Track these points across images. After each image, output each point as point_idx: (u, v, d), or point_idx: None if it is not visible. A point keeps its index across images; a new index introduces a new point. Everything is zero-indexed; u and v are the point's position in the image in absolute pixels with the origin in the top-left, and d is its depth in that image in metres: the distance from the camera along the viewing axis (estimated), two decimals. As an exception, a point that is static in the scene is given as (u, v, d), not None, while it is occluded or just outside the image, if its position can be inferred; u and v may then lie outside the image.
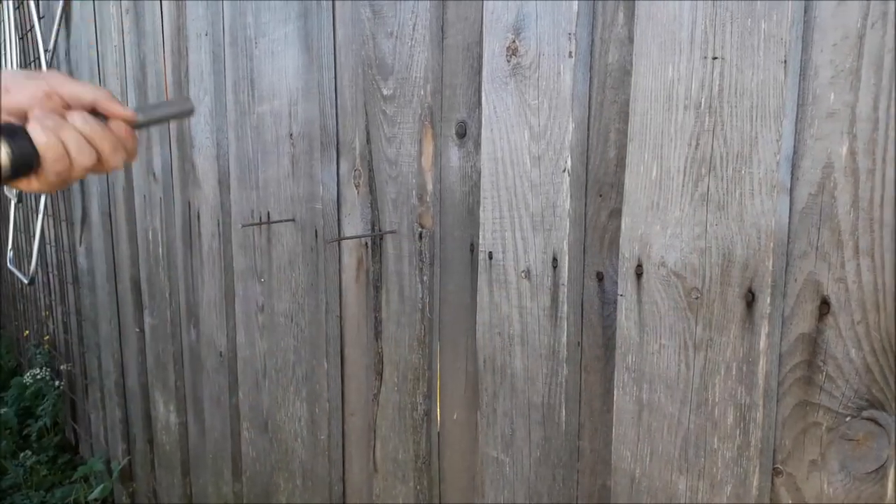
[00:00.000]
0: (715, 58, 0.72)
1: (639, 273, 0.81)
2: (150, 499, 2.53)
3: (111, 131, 0.67)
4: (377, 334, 1.22)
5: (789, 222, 0.70)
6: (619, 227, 0.84)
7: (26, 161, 0.64)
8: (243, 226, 1.44)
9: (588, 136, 0.87)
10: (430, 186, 1.10)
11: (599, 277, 0.89)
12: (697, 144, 0.74)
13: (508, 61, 0.92)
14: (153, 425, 2.38)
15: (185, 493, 2.17)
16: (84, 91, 0.67)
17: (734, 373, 0.74)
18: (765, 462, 0.73)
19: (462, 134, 1.04)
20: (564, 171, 0.87)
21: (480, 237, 0.99)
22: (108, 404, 2.82)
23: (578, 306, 0.91)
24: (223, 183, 1.67)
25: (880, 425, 0.66)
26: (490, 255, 0.98)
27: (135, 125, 0.70)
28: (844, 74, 0.65)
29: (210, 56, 1.67)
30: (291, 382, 1.48)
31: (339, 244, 1.26)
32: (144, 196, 2.17)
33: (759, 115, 0.69)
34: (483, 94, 0.95)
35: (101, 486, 2.77)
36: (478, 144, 1.01)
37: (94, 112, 0.69)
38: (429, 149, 1.09)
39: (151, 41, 2.00)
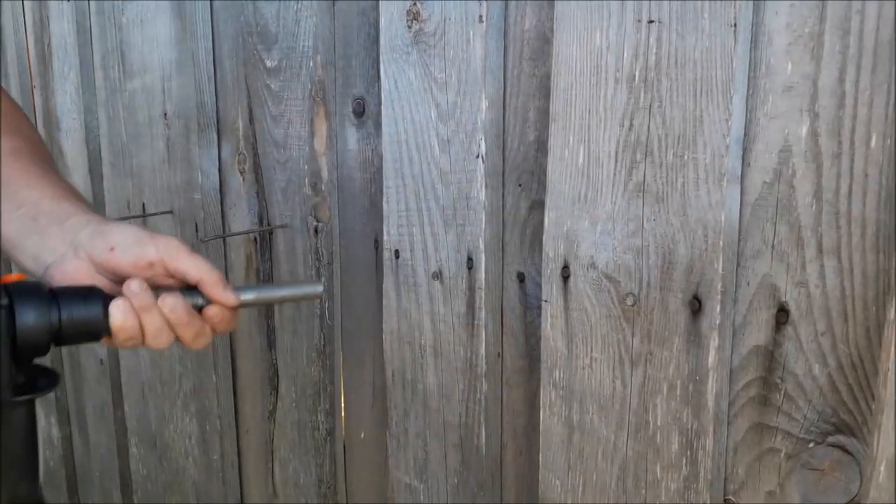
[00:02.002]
0: (651, 21, 0.60)
1: (565, 275, 0.70)
2: (37, 518, 2.29)
3: (200, 319, 0.61)
4: (270, 344, 1.07)
5: (740, 216, 0.60)
6: (541, 222, 0.72)
7: (89, 334, 0.57)
8: (117, 219, 1.25)
9: (504, 116, 0.74)
10: (325, 173, 0.95)
11: (521, 278, 0.77)
12: (631, 125, 0.63)
13: (410, 27, 0.78)
14: (36, 438, 2.14)
15: (73, 512, 1.96)
16: (192, 270, 0.61)
17: (678, 392, 0.64)
18: (715, 494, 0.64)
19: (360, 112, 0.90)
20: (478, 156, 0.74)
21: (385, 232, 0.85)
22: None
23: (498, 312, 0.79)
24: (94, 171, 1.46)
25: (849, 453, 0.57)
26: (396, 254, 0.85)
27: (238, 307, 0.63)
28: (804, 40, 0.54)
29: (74, 26, 1.45)
30: (179, 396, 1.30)
31: (224, 239, 1.10)
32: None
33: (705, 89, 0.58)
34: (382, 65, 0.81)
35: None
36: (378, 125, 0.87)
37: (196, 287, 0.62)
38: (322, 129, 0.94)
39: (10, 9, 1.74)
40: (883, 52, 0.51)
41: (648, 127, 0.62)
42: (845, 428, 0.57)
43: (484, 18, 0.71)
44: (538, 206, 0.73)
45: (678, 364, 0.63)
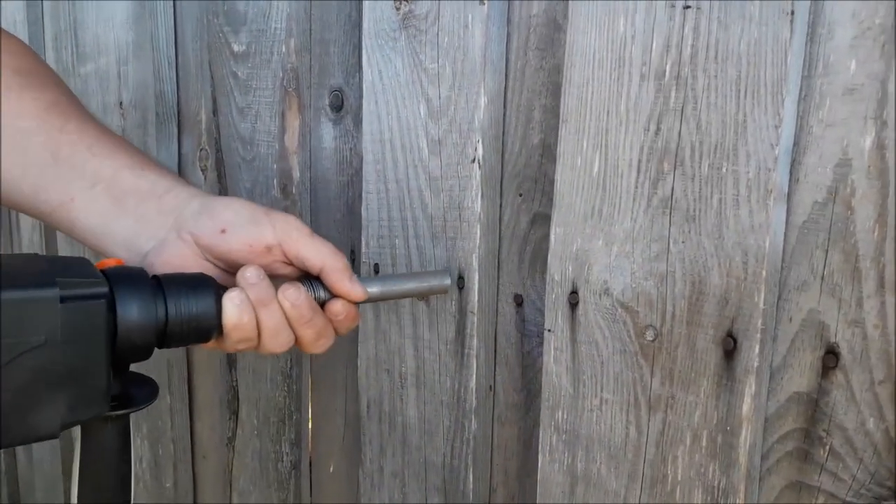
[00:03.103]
0: (687, 6, 0.51)
1: (573, 302, 0.60)
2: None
3: (323, 316, 0.52)
4: (231, 363, 0.96)
5: (785, 240, 0.51)
6: (544, 238, 0.63)
7: (199, 332, 0.48)
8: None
9: (505, 115, 0.65)
10: (296, 174, 0.84)
11: (518, 302, 0.67)
12: (658, 129, 0.53)
13: (398, 9, 0.68)
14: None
15: (17, 529, 1.82)
16: (314, 256, 0.51)
17: (704, 443, 0.55)
18: (744, 564, 0.54)
19: (338, 106, 0.79)
20: (474, 160, 0.64)
21: (363, 243, 0.75)
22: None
23: (491, 339, 0.69)
24: (44, 162, 1.34)
25: (907, 524, 0.48)
26: (376, 268, 0.75)
27: (364, 301, 0.54)
28: (873, 34, 0.45)
29: (23, 1, 1.33)
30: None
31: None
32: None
33: (750, 89, 0.49)
34: (364, 53, 0.71)
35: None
36: (358, 120, 0.77)
37: (316, 278, 0.53)
38: (294, 124, 0.83)
39: (-42, -18, 1.61)
40: (976, 49, 0.42)
41: (679, 132, 0.52)
42: (905, 494, 0.49)
43: (485, 0, 0.61)
44: (541, 219, 0.64)
45: (705, 411, 0.54)
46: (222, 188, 0.92)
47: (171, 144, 0.98)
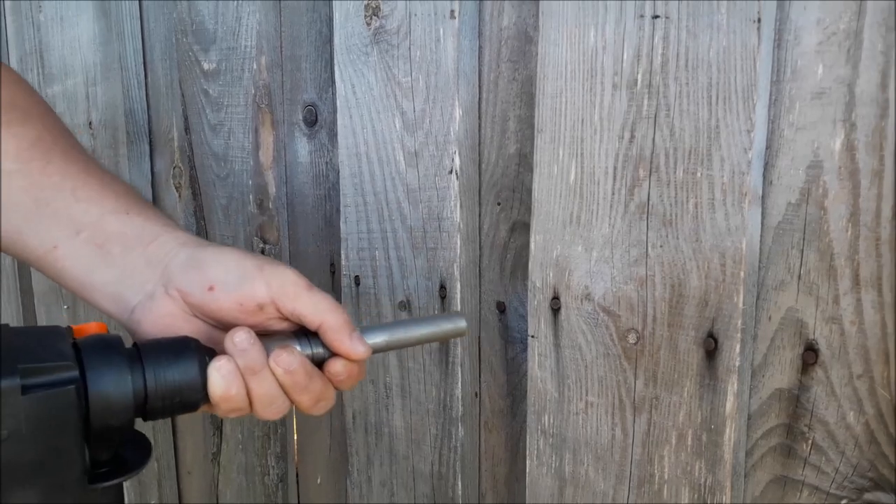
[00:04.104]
0: (656, 16, 0.52)
1: (555, 308, 0.61)
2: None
3: (321, 379, 0.47)
4: (214, 381, 0.95)
5: (761, 241, 0.52)
6: (524, 246, 0.63)
7: (182, 405, 0.44)
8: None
9: (480, 126, 0.65)
10: (272, 189, 0.84)
11: (501, 309, 0.68)
12: (632, 137, 0.54)
13: (368, 24, 0.68)
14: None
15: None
16: (311, 313, 0.47)
17: (689, 442, 0.56)
18: (733, 559, 0.56)
19: (312, 121, 0.79)
20: (451, 171, 0.65)
21: (343, 256, 0.75)
22: None
23: (475, 347, 0.69)
24: (11, 184, 1.31)
25: (889, 512, 0.50)
26: (357, 281, 0.75)
27: (367, 357, 0.49)
28: (838, 39, 0.47)
29: (-16, 21, 1.30)
30: (111, 436, 1.17)
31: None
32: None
33: (722, 95, 0.50)
34: (337, 68, 0.71)
35: None
36: (333, 134, 0.77)
37: (314, 333, 0.48)
38: (268, 140, 0.83)
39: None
40: (936, 52, 0.43)
41: (654, 139, 0.53)
42: (885, 484, 0.50)
43: (456, 14, 0.62)
44: (520, 227, 0.64)
45: (689, 411, 0.55)
46: (197, 206, 0.92)
47: (144, 163, 0.97)
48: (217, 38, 0.84)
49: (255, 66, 0.81)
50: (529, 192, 0.61)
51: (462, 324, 0.52)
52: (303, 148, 0.81)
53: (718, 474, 0.55)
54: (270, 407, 0.46)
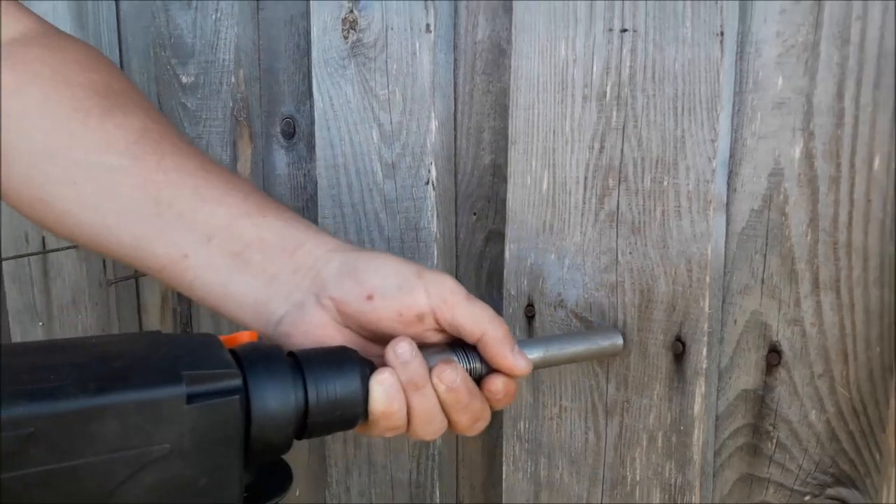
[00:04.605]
0: (624, 30, 0.54)
1: (529, 315, 0.62)
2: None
3: (481, 397, 0.44)
4: (191, 393, 0.95)
5: (726, 247, 0.54)
6: (500, 254, 0.65)
7: (342, 421, 0.40)
8: (5, 259, 1.11)
9: (456, 137, 0.67)
10: (251, 202, 0.84)
11: (476, 317, 0.69)
12: (602, 148, 0.56)
13: (346, 38, 0.69)
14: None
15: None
16: (471, 324, 0.42)
17: (660, 444, 0.57)
18: (704, 558, 0.57)
19: (290, 133, 0.80)
20: (428, 182, 0.66)
21: (320, 267, 0.76)
22: None
23: (451, 355, 0.70)
24: (-15, 198, 1.30)
25: (851, 508, 0.51)
26: (333, 291, 0.75)
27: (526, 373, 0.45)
28: (796, 51, 0.49)
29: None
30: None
31: (136, 279, 0.97)
32: None
33: (687, 106, 0.52)
34: (314, 80, 0.72)
35: None
36: (311, 147, 0.78)
37: (472, 347, 0.44)
38: (246, 153, 0.84)
39: None
40: (887, 63, 0.46)
41: (622, 149, 0.55)
42: (846, 479, 0.52)
43: (432, 28, 0.63)
44: (495, 236, 0.66)
45: (659, 413, 0.57)
46: (175, 218, 0.92)
47: (121, 176, 0.98)
48: (195, 51, 0.85)
49: (233, 80, 0.82)
50: (504, 202, 0.62)
51: (619, 340, 0.50)
52: (281, 160, 0.81)
53: (688, 474, 0.56)
54: (429, 426, 0.42)
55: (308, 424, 0.39)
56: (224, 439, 0.34)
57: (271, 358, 0.38)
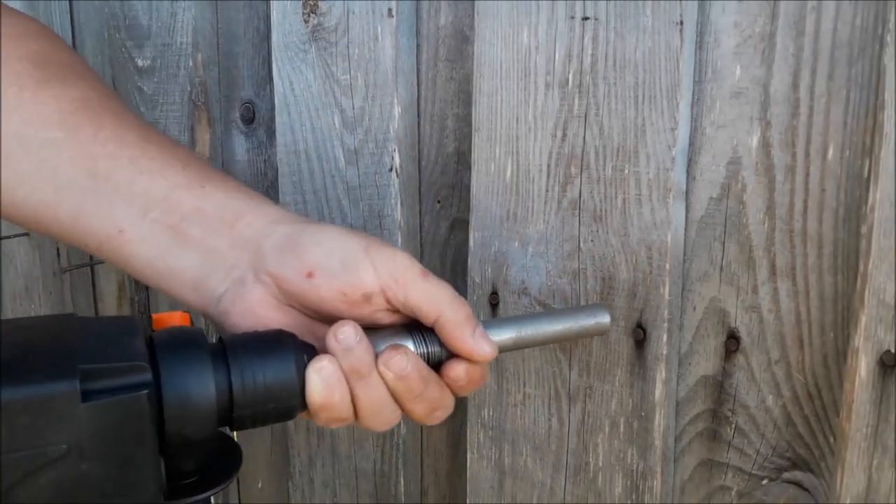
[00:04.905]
0: (586, 18, 0.54)
1: (494, 302, 0.62)
2: None
3: (438, 384, 0.40)
4: (150, 384, 0.93)
5: (685, 235, 0.54)
6: (464, 242, 0.65)
7: (276, 413, 0.37)
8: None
9: (419, 124, 0.66)
10: (210, 189, 0.83)
11: (440, 306, 0.69)
12: (564, 136, 0.56)
13: (306, 22, 0.68)
14: None
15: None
16: (427, 304, 0.39)
17: (622, 430, 0.58)
18: (664, 540, 0.58)
19: (249, 118, 0.79)
20: (391, 169, 0.65)
21: (281, 255, 0.75)
22: None
23: (415, 344, 0.70)
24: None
25: (805, 489, 0.53)
26: (295, 280, 0.74)
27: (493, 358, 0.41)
28: (754, 41, 0.49)
29: None
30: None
31: (91, 267, 0.95)
32: None
33: (647, 95, 0.52)
34: (274, 65, 0.71)
35: None
36: (271, 132, 0.76)
37: (430, 330, 0.40)
38: (205, 138, 0.82)
39: None
40: (840, 54, 0.46)
41: (584, 137, 0.55)
42: (801, 463, 0.53)
43: (394, 12, 0.62)
44: (460, 224, 0.65)
45: (621, 399, 0.57)
46: (132, 205, 0.90)
47: (75, 162, 0.95)
48: (151, 34, 0.82)
49: (191, 63, 0.80)
50: (468, 189, 0.62)
51: (605, 318, 0.46)
52: (240, 146, 0.80)
53: (649, 460, 0.57)
54: (378, 417, 0.39)
55: (235, 417, 0.36)
56: (133, 436, 0.32)
57: (190, 345, 0.35)
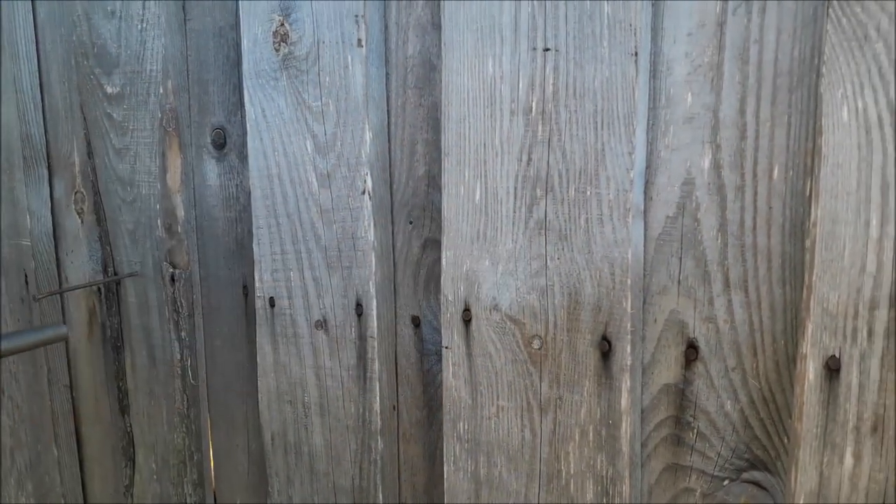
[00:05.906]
0: (547, 49, 0.57)
1: (466, 319, 0.65)
2: None
3: None
4: (123, 409, 0.93)
5: (645, 252, 0.57)
6: (436, 261, 0.67)
7: None
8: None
9: (390, 149, 0.68)
10: (181, 212, 0.84)
11: (416, 323, 0.71)
12: (530, 160, 0.59)
13: (277, 50, 0.70)
14: None
15: None
16: None
17: (591, 438, 0.61)
18: (633, 542, 0.61)
19: (220, 144, 0.80)
20: (364, 192, 0.67)
21: (257, 278, 0.76)
22: None
23: (392, 361, 0.72)
24: None
25: (763, 488, 0.56)
26: (272, 302, 0.76)
27: None
28: (703, 70, 0.53)
29: None
30: (11, 473, 1.12)
31: (61, 294, 0.95)
32: None
33: (606, 121, 0.55)
34: (246, 92, 0.73)
35: None
36: (243, 157, 0.78)
37: None
38: (176, 163, 0.83)
39: None
40: (782, 82, 0.50)
41: (548, 161, 0.58)
42: (759, 463, 0.56)
43: (364, 42, 0.65)
44: (432, 244, 0.68)
45: (590, 408, 0.60)
46: (102, 231, 0.90)
47: (43, 188, 0.95)
48: (121, 61, 0.83)
49: (161, 90, 0.81)
50: (439, 210, 0.65)
51: (63, 331, 0.62)
52: (212, 171, 0.81)
53: (618, 465, 0.60)
54: None
55: None
56: None
57: None
